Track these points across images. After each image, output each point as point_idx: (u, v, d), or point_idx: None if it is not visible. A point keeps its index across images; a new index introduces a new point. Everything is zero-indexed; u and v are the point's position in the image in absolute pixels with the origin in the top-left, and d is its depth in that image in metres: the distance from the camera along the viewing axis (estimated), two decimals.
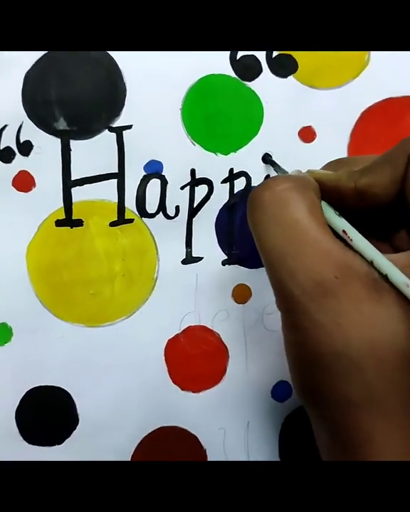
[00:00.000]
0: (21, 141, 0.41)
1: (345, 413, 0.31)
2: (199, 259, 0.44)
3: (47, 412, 0.44)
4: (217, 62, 0.42)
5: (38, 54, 0.40)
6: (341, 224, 0.33)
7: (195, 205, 0.44)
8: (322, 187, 0.34)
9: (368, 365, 0.30)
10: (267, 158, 0.44)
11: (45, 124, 0.41)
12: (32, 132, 0.41)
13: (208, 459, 0.46)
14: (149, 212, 0.43)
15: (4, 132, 0.40)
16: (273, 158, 0.44)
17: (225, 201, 0.44)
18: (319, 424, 0.34)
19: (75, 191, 0.42)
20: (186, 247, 0.44)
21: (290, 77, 0.43)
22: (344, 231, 0.32)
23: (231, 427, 0.46)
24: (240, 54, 0.42)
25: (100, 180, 0.42)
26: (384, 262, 0.30)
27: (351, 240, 0.32)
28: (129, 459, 0.45)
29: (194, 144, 0.43)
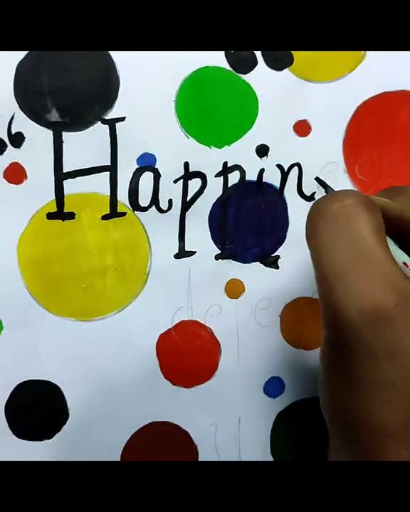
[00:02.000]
0: (13, 132, 0.40)
1: (376, 441, 0.30)
2: (192, 253, 0.44)
3: (37, 406, 0.43)
4: (211, 54, 0.41)
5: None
6: (401, 256, 0.32)
7: (188, 198, 0.43)
8: (383, 215, 0.33)
9: None
10: (318, 180, 0.42)
11: (37, 115, 0.40)
12: (24, 124, 0.40)
13: (199, 455, 0.45)
14: (142, 205, 0.42)
15: None
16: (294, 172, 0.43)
17: (219, 195, 0.43)
18: (344, 445, 0.33)
19: (67, 184, 0.41)
20: (179, 241, 0.43)
21: (286, 70, 0.42)
22: (405, 263, 0.32)
23: (223, 422, 0.45)
24: None
25: (93, 173, 0.41)
26: None
27: None
28: (120, 454, 0.44)
29: (188, 137, 0.42)
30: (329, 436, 0.34)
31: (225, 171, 0.43)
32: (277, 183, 0.44)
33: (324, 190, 0.39)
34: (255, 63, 0.42)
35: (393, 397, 0.29)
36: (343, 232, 0.31)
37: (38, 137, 0.40)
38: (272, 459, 0.46)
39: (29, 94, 0.39)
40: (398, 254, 0.32)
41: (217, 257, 0.44)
